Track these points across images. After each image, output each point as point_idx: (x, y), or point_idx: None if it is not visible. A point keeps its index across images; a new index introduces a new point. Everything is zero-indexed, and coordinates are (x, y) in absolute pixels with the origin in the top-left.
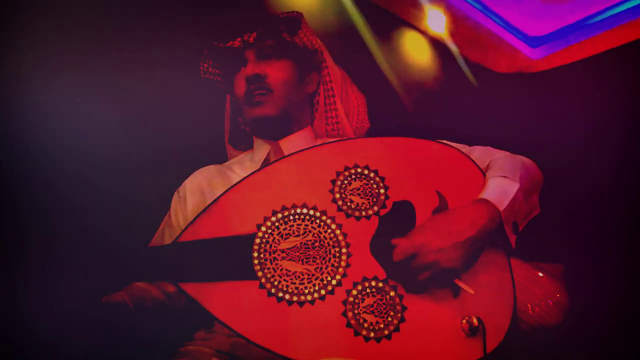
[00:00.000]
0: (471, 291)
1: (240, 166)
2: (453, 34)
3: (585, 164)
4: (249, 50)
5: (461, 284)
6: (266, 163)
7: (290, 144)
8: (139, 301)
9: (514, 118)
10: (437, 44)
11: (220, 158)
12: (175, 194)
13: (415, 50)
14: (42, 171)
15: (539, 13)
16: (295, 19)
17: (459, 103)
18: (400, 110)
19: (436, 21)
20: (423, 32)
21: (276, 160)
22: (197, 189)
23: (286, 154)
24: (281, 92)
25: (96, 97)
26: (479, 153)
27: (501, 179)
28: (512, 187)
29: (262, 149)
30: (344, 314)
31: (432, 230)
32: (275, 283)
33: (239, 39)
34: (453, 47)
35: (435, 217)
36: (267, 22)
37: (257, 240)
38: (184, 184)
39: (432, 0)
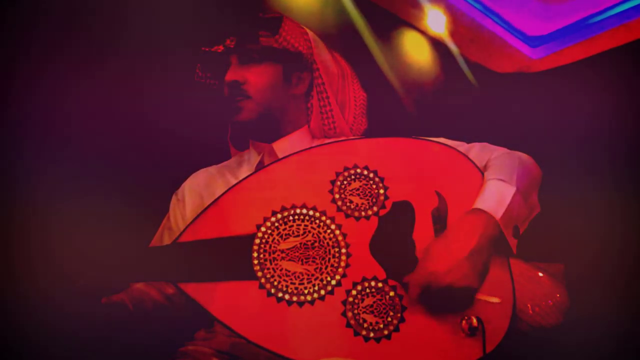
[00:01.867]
0: (496, 300)
1: (238, 167)
2: (453, 34)
3: (585, 163)
4: (233, 55)
5: (483, 297)
6: (260, 165)
7: (284, 145)
8: (138, 303)
9: (514, 118)
10: (437, 44)
11: (220, 159)
12: (174, 197)
13: (415, 50)
14: (41, 171)
15: (539, 13)
16: (274, 21)
17: (459, 103)
18: (400, 110)
19: (436, 21)
20: (423, 32)
21: (276, 161)
22: (195, 192)
23: (280, 156)
24: (260, 97)
25: (96, 97)
26: (477, 151)
27: (498, 183)
28: (509, 192)
29: (256, 151)
30: (344, 314)
31: (434, 256)
32: (275, 283)
33: (221, 45)
34: (453, 47)
35: (434, 242)
36: (246, 26)
37: (257, 241)
38: (182, 186)
39: (432, 0)
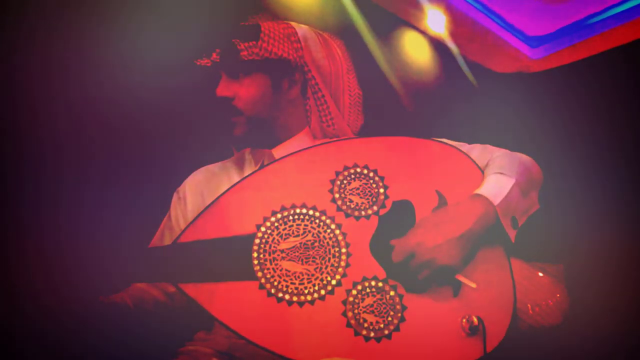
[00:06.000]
0: (473, 285)
1: (240, 166)
2: (453, 34)
3: (585, 163)
4: (221, 68)
5: (462, 279)
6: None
7: (284, 151)
8: (139, 302)
9: (513, 118)
10: (437, 44)
11: (222, 157)
12: (175, 195)
13: (415, 50)
14: (42, 170)
15: (539, 13)
16: (253, 30)
17: (458, 103)
18: (400, 110)
19: (436, 21)
20: (423, 32)
21: (275, 161)
22: (196, 190)
23: None
24: (251, 111)
25: (97, 95)
26: (478, 151)
27: (497, 175)
28: (508, 182)
29: (256, 157)
30: (344, 314)
31: (427, 228)
32: (275, 283)
33: (209, 59)
34: (453, 47)
35: (430, 216)
36: (227, 38)
37: (257, 241)
38: (183, 184)
39: (432, 0)
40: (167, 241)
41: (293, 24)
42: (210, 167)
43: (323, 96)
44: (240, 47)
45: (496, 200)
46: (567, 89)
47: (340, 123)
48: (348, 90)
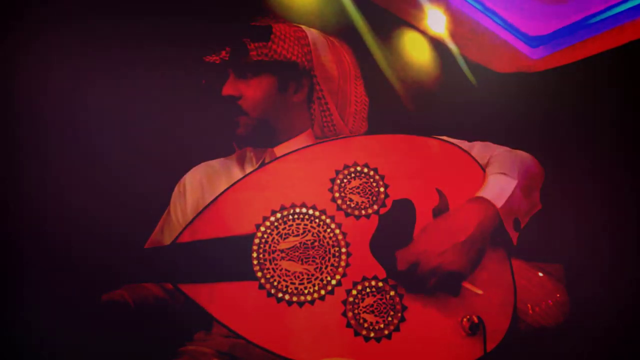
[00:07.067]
0: (479, 291)
1: (241, 164)
2: (453, 34)
3: (585, 163)
4: (229, 66)
5: (468, 286)
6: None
7: (286, 151)
8: (139, 300)
9: (514, 118)
10: (437, 44)
11: (224, 154)
12: (176, 188)
13: (415, 50)
14: (40, 169)
15: (539, 13)
16: (264, 31)
17: (458, 103)
18: (400, 110)
19: (436, 21)
20: (423, 32)
21: (275, 160)
22: (197, 185)
23: None
24: (256, 112)
25: (96, 92)
26: (479, 149)
27: (499, 176)
28: (510, 184)
29: (257, 155)
30: (344, 314)
31: (430, 235)
32: (275, 283)
33: (218, 57)
34: (453, 47)
35: (433, 222)
36: (237, 38)
37: (257, 241)
38: (184, 178)
39: (432, 0)
40: (165, 238)
41: (304, 27)
42: (212, 162)
43: (327, 103)
44: (250, 47)
45: (499, 203)
46: (567, 89)
47: (342, 130)
48: (355, 97)
